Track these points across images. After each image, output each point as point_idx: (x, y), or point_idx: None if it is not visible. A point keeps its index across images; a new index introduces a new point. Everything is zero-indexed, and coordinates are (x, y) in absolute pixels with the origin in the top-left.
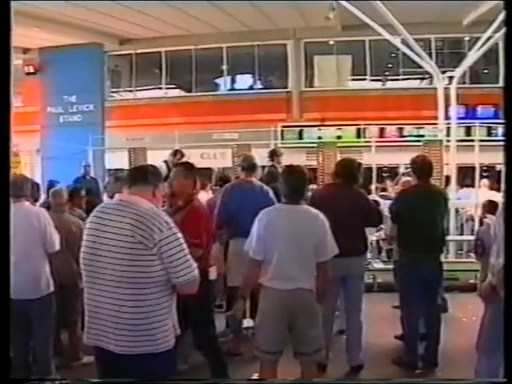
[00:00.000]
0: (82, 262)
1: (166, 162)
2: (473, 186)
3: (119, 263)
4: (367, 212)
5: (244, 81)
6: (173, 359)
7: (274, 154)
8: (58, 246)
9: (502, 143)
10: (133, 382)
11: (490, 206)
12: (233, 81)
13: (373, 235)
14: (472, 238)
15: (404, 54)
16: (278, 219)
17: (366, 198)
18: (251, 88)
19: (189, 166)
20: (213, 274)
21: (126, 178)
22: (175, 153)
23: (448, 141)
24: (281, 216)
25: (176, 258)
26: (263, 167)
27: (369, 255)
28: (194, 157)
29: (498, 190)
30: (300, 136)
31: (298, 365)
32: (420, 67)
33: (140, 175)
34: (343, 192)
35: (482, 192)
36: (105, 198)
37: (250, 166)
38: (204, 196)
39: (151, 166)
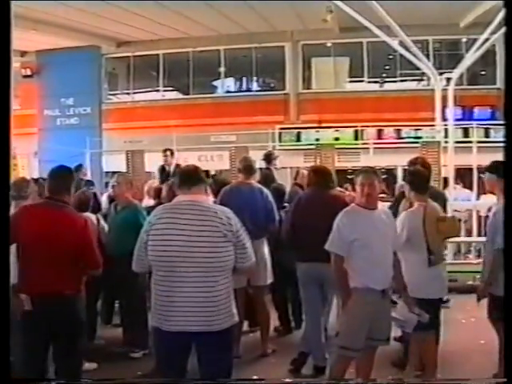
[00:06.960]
0: (162, 259)
1: (163, 166)
2: (470, 187)
3: (209, 255)
4: None
5: (242, 83)
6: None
7: (270, 158)
8: None
9: (499, 144)
10: (134, 382)
11: None
12: (230, 83)
13: None
14: (468, 239)
15: (401, 55)
16: None
17: (343, 200)
18: (249, 90)
19: None
20: None
21: (179, 180)
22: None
23: (446, 142)
24: None
25: (243, 244)
26: (260, 169)
27: None
28: (192, 159)
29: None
30: (298, 138)
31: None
32: (417, 69)
33: (194, 178)
34: (320, 196)
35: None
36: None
37: (248, 169)
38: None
39: (196, 167)
